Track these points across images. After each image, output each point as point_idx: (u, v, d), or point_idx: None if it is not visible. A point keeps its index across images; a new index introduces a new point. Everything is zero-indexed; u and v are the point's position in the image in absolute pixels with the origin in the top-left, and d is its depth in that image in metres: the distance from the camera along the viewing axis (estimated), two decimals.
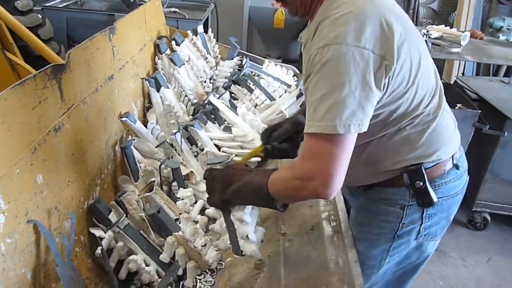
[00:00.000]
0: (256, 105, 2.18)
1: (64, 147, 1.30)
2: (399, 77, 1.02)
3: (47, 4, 3.23)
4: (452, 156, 1.23)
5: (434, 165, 1.19)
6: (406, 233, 1.27)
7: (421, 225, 1.26)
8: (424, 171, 1.17)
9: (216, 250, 1.50)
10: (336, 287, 1.05)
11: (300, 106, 2.05)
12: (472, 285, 2.60)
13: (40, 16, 2.44)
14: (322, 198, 1.02)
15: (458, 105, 2.81)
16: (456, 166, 1.24)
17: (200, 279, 1.45)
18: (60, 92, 1.24)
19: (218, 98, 2.09)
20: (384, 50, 0.97)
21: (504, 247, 2.95)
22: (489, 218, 3.04)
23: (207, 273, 1.46)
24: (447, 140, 1.21)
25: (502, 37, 3.74)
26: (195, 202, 1.75)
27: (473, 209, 2.99)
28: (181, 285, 1.43)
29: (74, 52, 1.33)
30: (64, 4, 3.50)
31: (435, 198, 1.18)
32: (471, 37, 3.36)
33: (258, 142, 1.85)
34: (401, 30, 1.00)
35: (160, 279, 1.43)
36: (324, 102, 0.95)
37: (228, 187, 1.16)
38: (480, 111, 2.72)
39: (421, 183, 1.17)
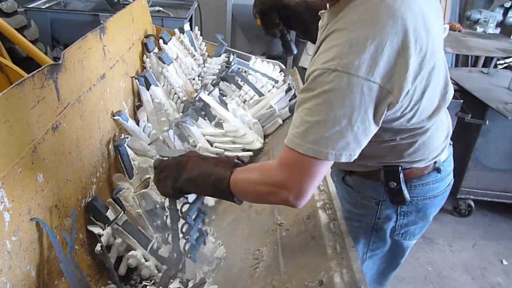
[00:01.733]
0: (245, 100, 2.20)
1: (62, 146, 1.31)
2: (398, 105, 0.95)
3: (30, 6, 3.20)
4: (436, 160, 1.21)
5: (412, 167, 1.19)
6: (383, 229, 1.29)
7: (396, 222, 1.28)
8: (401, 172, 1.17)
9: (214, 243, 1.53)
10: (335, 271, 1.08)
11: (290, 100, 2.08)
12: (459, 269, 2.69)
13: (25, 18, 2.43)
14: (291, 206, 1.03)
15: None
16: (437, 170, 1.23)
17: (198, 271, 1.48)
18: (56, 92, 1.25)
19: (208, 95, 2.11)
20: (392, 85, 0.90)
21: (488, 232, 3.05)
22: (473, 204, 3.14)
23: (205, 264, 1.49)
24: (434, 150, 1.18)
25: (479, 29, 3.84)
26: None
27: (457, 197, 3.09)
28: (181, 278, 1.45)
29: (68, 52, 1.34)
30: (47, 5, 3.46)
31: (408, 198, 1.20)
32: (450, 29, 3.45)
33: (250, 137, 1.90)
34: (419, 52, 0.91)
35: (160, 273, 1.46)
36: (320, 129, 0.91)
37: (181, 175, 1.15)
38: (462, 101, 2.81)
39: (395, 184, 1.18)
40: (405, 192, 1.19)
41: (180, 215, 1.25)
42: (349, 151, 0.94)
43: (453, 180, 1.33)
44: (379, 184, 1.22)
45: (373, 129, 0.95)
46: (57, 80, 1.25)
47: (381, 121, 0.95)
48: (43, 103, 1.17)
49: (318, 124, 0.91)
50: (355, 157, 0.96)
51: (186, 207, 1.29)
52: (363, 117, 0.90)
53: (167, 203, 1.55)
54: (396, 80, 0.89)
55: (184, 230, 1.29)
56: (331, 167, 1.41)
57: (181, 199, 1.28)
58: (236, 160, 1.14)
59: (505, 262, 2.78)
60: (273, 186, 1.01)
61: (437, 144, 1.18)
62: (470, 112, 2.79)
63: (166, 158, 1.23)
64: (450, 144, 1.29)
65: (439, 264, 2.71)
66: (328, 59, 0.89)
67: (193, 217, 1.31)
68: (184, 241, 1.29)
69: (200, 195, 1.27)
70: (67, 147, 1.35)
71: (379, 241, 1.33)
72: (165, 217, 1.50)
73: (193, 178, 1.13)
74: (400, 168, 1.17)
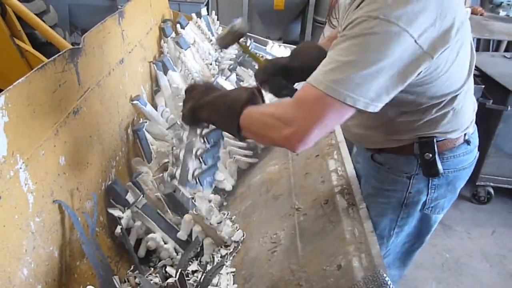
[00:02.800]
0: None
1: (83, 129, 1.33)
2: (432, 68, 0.99)
3: None
4: (466, 132, 1.24)
5: (445, 139, 1.21)
6: (413, 203, 1.30)
7: (427, 195, 1.29)
8: (435, 144, 1.19)
9: (231, 227, 1.54)
10: (354, 256, 1.08)
11: None
12: (477, 256, 2.66)
13: (44, 3, 2.44)
14: (288, 147, 0.99)
15: None
16: (467, 142, 1.26)
17: (216, 254, 1.49)
18: (77, 76, 1.26)
19: (225, 79, 2.11)
20: (429, 43, 0.92)
21: (507, 219, 3.01)
22: (492, 192, 3.09)
23: (223, 248, 1.50)
24: (465, 121, 1.22)
25: (502, 13, 3.74)
26: None
27: (477, 183, 3.04)
28: (199, 260, 1.47)
29: (88, 36, 1.35)
30: None
31: (441, 169, 1.21)
32: (471, 13, 3.37)
33: None
34: (454, 13, 0.95)
35: (179, 255, 1.48)
36: (348, 69, 0.90)
37: (203, 97, 1.13)
38: (483, 86, 2.75)
39: (430, 155, 1.20)
40: (439, 163, 1.21)
41: (199, 134, 1.20)
42: (367, 99, 0.92)
43: (478, 153, 1.35)
44: (411, 158, 1.23)
45: (398, 87, 0.95)
46: (77, 64, 1.26)
47: (408, 80, 0.95)
48: (64, 87, 1.18)
49: (348, 64, 0.91)
50: (369, 109, 0.94)
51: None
52: (393, 69, 0.91)
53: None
54: (433, 38, 0.92)
55: (198, 153, 1.25)
56: (358, 148, 1.42)
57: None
58: (256, 91, 1.10)
59: None
60: (279, 120, 0.97)
61: (467, 116, 1.23)
62: (492, 97, 2.73)
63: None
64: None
65: (457, 251, 2.69)
66: (371, 9, 0.91)
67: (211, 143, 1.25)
68: (197, 162, 1.24)
69: (209, 122, 1.19)
70: (87, 130, 1.36)
71: (408, 217, 1.34)
72: (182, 200, 1.51)
73: (211, 100, 1.11)
74: (434, 139, 1.19)
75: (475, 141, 1.30)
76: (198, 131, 1.21)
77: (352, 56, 0.91)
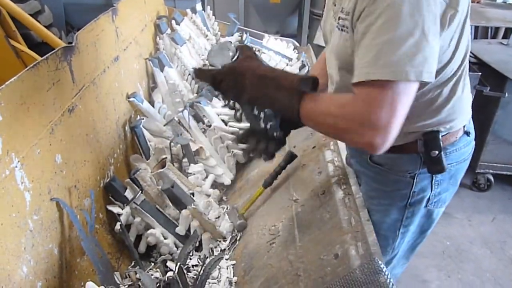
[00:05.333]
0: None
1: (79, 127, 1.33)
2: (450, 30, 0.95)
3: None
4: (465, 123, 1.21)
5: (448, 133, 1.18)
6: (417, 201, 1.27)
7: (431, 192, 1.26)
8: (440, 139, 1.15)
9: (230, 222, 1.55)
10: (351, 245, 1.09)
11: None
12: (478, 243, 2.67)
13: (39, 3, 2.45)
14: (374, 150, 0.91)
15: None
16: (467, 133, 1.23)
17: (215, 248, 1.50)
18: (71, 74, 1.27)
19: None
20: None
21: (508, 206, 3.01)
22: (492, 179, 3.09)
23: (221, 242, 1.51)
24: (466, 110, 1.20)
25: (499, 0, 3.72)
26: (206, 177, 1.79)
27: (476, 171, 3.04)
28: (199, 256, 1.48)
29: (81, 34, 1.35)
30: None
31: (446, 165, 1.18)
32: None
33: None
34: None
35: (179, 250, 1.49)
36: (392, 47, 0.85)
37: (242, 95, 1.01)
38: (480, 73, 2.74)
39: (437, 152, 1.15)
40: (444, 159, 1.17)
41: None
42: (428, 67, 0.87)
43: (474, 143, 1.33)
44: (414, 156, 1.19)
45: (440, 42, 0.91)
46: (71, 63, 1.27)
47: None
48: (58, 85, 1.19)
49: (389, 42, 0.85)
50: (431, 78, 0.88)
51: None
52: (434, 27, 0.86)
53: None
54: None
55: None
56: (352, 150, 1.38)
57: None
58: (301, 87, 0.97)
59: None
60: (355, 123, 0.89)
61: (467, 104, 1.20)
62: (489, 85, 2.72)
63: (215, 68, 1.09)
64: None
65: (458, 239, 2.69)
66: None
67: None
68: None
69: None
70: (83, 128, 1.37)
71: (412, 216, 1.31)
72: (181, 195, 1.52)
73: (254, 98, 1.01)
74: (439, 134, 1.14)
75: (473, 131, 1.28)
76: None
77: (389, 33, 0.85)
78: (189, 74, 2.12)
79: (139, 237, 1.54)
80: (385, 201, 1.28)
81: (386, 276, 0.92)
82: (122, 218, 1.48)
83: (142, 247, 1.52)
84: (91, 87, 1.44)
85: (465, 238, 2.69)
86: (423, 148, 1.16)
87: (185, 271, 1.39)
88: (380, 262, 0.95)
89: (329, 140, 1.59)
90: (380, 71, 0.85)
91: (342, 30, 1.01)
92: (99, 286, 1.16)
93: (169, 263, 1.46)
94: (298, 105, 0.96)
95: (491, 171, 3.04)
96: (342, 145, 1.53)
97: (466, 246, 2.64)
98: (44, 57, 1.12)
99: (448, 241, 2.67)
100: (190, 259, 1.48)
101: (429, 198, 1.28)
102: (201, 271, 1.26)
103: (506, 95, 2.71)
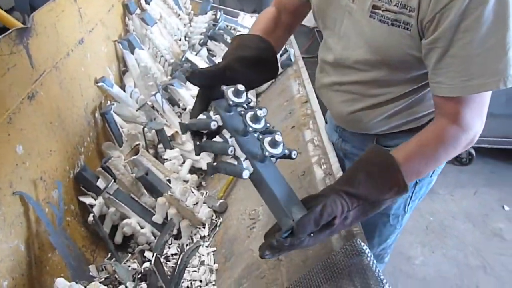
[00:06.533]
0: None
1: (42, 115, 1.25)
2: None
3: None
4: None
5: None
6: (426, 175, 1.26)
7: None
8: None
9: (209, 207, 1.50)
10: None
11: (281, 55, 2.00)
12: (461, 217, 2.68)
13: None
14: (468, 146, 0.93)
15: None
16: None
17: (195, 236, 1.46)
18: (29, 58, 1.18)
19: (196, 55, 2.03)
20: None
21: (490, 179, 3.02)
22: (474, 152, 3.10)
23: (201, 229, 1.46)
24: None
25: None
26: (184, 162, 1.73)
27: None
28: (179, 244, 1.43)
29: (37, 15, 1.26)
30: None
31: None
32: None
33: None
34: None
35: (156, 239, 1.43)
36: (499, 51, 0.80)
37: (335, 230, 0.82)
38: None
39: None
40: None
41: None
42: None
43: None
44: None
45: None
46: (28, 46, 1.18)
47: None
48: (14, 71, 1.10)
49: (494, 48, 0.80)
50: None
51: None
52: None
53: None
54: None
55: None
56: (350, 133, 1.31)
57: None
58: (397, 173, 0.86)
59: (506, 208, 2.77)
60: (455, 140, 0.89)
61: None
62: None
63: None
64: None
65: (441, 214, 2.70)
66: None
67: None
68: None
69: None
70: (47, 116, 1.29)
71: (420, 189, 1.30)
72: (156, 182, 1.46)
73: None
74: None
75: None
76: None
77: (492, 38, 0.80)
78: (162, 56, 2.03)
79: (115, 228, 1.48)
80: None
81: (369, 258, 0.88)
82: (95, 209, 1.41)
83: (118, 238, 1.46)
84: (54, 72, 1.35)
85: (448, 213, 2.70)
86: None
87: (163, 261, 1.35)
88: (362, 243, 0.91)
89: (308, 119, 1.54)
90: (487, 82, 0.82)
91: (393, 24, 0.91)
92: (70, 281, 1.10)
93: (147, 253, 1.40)
94: (404, 183, 0.86)
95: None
96: (321, 124, 1.48)
97: (449, 221, 2.65)
98: None
99: (431, 217, 2.67)
100: (169, 247, 1.43)
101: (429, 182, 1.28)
102: (179, 261, 1.21)
103: None
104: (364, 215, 0.84)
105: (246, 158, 0.81)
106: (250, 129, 0.81)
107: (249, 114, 0.83)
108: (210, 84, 0.88)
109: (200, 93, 0.91)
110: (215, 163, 0.85)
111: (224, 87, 0.84)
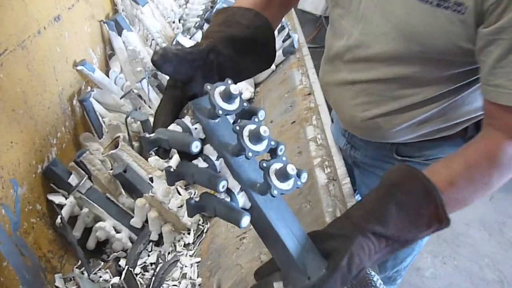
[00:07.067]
0: None
1: (1, 102, 1.07)
2: None
3: None
4: None
5: None
6: None
7: None
8: None
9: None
10: None
11: (283, 41, 1.80)
12: (475, 225, 2.50)
13: None
14: None
15: None
16: None
17: (178, 241, 1.29)
18: None
19: (190, 38, 1.84)
20: None
21: (507, 184, 2.79)
22: None
23: (185, 235, 1.29)
24: None
25: None
26: (171, 158, 1.55)
27: None
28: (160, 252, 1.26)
29: None
30: None
31: None
32: None
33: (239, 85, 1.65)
34: None
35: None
36: None
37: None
38: None
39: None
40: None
41: None
42: None
43: None
44: (459, 141, 0.98)
45: None
46: None
47: None
48: None
49: None
50: None
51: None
52: None
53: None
54: None
55: None
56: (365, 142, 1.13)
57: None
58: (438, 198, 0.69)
59: None
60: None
61: None
62: None
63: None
64: None
65: (453, 221, 2.45)
66: None
67: None
68: None
69: None
70: (8, 103, 1.11)
71: None
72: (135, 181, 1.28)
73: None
74: None
75: None
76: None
77: None
78: (153, 39, 1.85)
79: (89, 230, 1.31)
80: None
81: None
82: (64, 209, 1.25)
83: (91, 243, 1.29)
84: (19, 52, 1.17)
85: (461, 220, 2.52)
86: (474, 132, 0.96)
87: (139, 271, 1.19)
88: (373, 273, 0.73)
89: (311, 113, 1.35)
90: None
91: (439, 5, 0.72)
92: None
93: (122, 261, 1.23)
94: (447, 218, 0.70)
95: None
96: (326, 120, 1.29)
97: (462, 229, 2.47)
98: None
99: None
100: (149, 255, 1.26)
101: None
102: (154, 277, 1.04)
103: None
104: (391, 255, 0.66)
105: (241, 189, 0.60)
106: (250, 154, 0.56)
107: (247, 131, 0.56)
108: (186, 73, 0.65)
109: (170, 88, 0.67)
110: (197, 199, 0.62)
111: (208, 87, 0.57)
